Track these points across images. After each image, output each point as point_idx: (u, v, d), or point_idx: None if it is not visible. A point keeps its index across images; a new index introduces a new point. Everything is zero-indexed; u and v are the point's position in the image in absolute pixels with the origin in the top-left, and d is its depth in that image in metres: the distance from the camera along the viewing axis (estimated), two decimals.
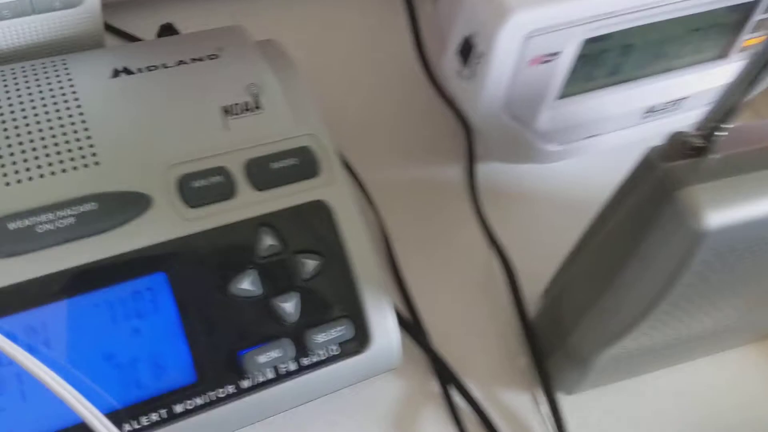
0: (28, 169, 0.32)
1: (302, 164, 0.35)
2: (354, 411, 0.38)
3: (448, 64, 0.42)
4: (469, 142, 0.46)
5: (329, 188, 0.35)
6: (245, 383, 0.33)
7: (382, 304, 0.35)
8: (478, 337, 0.42)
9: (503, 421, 0.39)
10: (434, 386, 0.40)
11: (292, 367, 0.33)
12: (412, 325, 0.40)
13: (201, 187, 0.33)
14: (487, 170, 0.46)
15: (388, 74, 0.49)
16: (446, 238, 0.44)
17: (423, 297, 0.42)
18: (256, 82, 0.36)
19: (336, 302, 0.34)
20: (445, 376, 0.40)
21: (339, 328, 0.34)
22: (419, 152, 0.47)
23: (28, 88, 0.34)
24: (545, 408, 0.39)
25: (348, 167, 0.44)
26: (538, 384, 0.40)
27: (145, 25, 0.44)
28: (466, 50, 0.39)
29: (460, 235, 0.45)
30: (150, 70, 0.36)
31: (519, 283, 0.43)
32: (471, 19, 0.38)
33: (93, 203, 0.32)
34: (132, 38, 0.46)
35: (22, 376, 0.30)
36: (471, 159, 0.46)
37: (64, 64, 0.35)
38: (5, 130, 0.33)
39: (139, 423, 0.31)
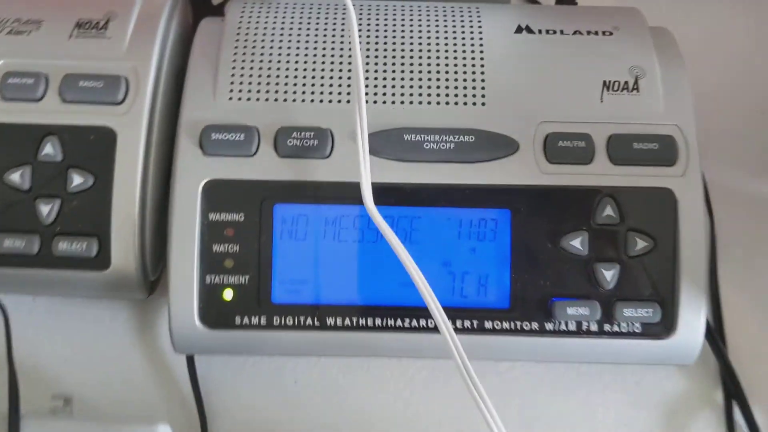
0: (428, 95, 0.38)
1: (662, 151, 0.37)
2: (629, 389, 0.40)
3: None
4: None
5: (681, 180, 0.36)
6: (549, 325, 0.36)
7: (697, 303, 0.36)
8: None
9: None
10: (717, 396, 0.40)
11: (593, 327, 0.36)
12: (713, 330, 0.41)
13: (564, 148, 0.37)
14: None
15: None
16: None
17: (732, 308, 0.42)
18: (641, 66, 0.38)
19: (652, 285, 0.36)
20: (732, 390, 0.40)
21: (647, 310, 0.36)
22: None
23: (445, 25, 0.40)
24: None
25: None
26: None
27: None
28: None
29: None
30: (548, 34, 0.40)
31: None
32: None
33: (471, 136, 0.37)
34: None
35: (381, 254, 0.37)
36: None
37: (477, 11, 0.41)
38: (419, 57, 0.39)
39: (453, 324, 0.36)
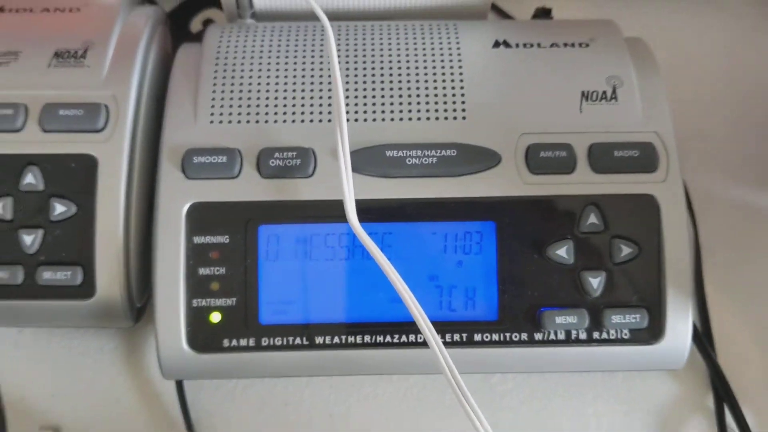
0: (409, 111, 0.38)
1: (642, 158, 0.37)
2: (622, 396, 0.41)
3: None
4: None
5: (662, 186, 0.37)
6: (538, 335, 0.36)
7: (683, 307, 0.36)
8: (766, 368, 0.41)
9: None
10: (708, 400, 0.40)
11: (582, 336, 0.36)
12: (701, 335, 0.41)
13: (546, 158, 0.37)
14: None
15: (747, 89, 0.48)
16: (761, 264, 0.44)
17: (719, 312, 0.42)
18: (618, 75, 0.39)
19: (638, 291, 0.36)
20: (722, 393, 0.40)
21: (635, 316, 0.36)
22: (757, 177, 0.46)
23: (423, 42, 0.40)
24: None
25: None
26: None
27: (517, 6, 0.49)
28: None
29: None
30: (525, 47, 0.40)
31: None
32: None
33: (453, 150, 0.37)
34: (506, 15, 0.50)
35: (367, 271, 0.37)
36: None
37: (455, 28, 0.41)
38: (399, 75, 0.39)
39: (442, 338, 0.36)
